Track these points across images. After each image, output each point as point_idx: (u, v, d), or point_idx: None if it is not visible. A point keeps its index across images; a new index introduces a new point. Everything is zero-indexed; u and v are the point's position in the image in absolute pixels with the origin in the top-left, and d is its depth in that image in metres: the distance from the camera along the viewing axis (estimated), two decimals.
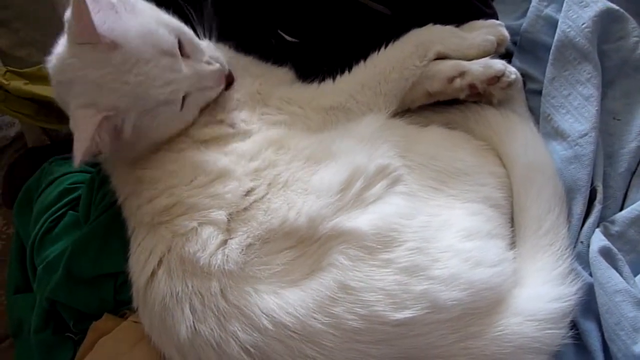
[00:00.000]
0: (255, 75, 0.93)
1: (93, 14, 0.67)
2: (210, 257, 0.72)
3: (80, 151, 0.70)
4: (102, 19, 0.69)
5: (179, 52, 0.77)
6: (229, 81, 0.87)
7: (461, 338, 0.69)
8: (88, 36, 0.70)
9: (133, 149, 0.80)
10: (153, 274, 0.75)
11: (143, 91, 0.73)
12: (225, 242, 0.73)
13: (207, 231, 0.74)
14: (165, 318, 0.73)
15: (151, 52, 0.73)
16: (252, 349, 0.68)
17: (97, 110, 0.71)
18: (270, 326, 0.67)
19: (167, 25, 0.78)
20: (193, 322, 0.70)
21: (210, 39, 0.87)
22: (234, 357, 0.68)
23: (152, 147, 0.82)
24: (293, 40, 1.00)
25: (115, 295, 0.95)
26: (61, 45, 0.76)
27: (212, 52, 0.83)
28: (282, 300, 0.68)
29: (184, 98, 0.79)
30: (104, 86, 0.72)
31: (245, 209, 0.75)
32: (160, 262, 0.75)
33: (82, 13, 0.67)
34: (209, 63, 0.82)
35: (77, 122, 0.72)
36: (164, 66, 0.74)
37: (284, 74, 0.96)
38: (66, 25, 0.74)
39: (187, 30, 0.81)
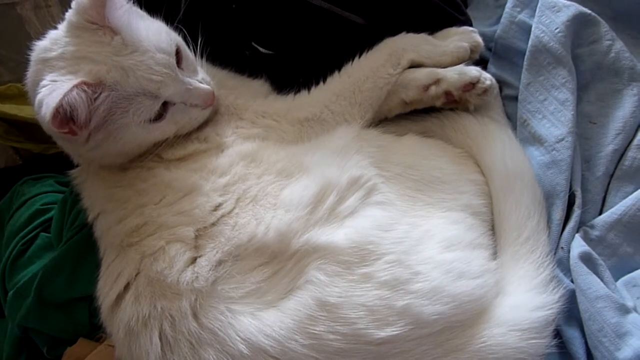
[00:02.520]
0: (230, 89, 0.91)
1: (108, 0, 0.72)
2: (179, 274, 0.69)
3: (53, 103, 0.66)
4: (113, 7, 0.73)
5: (175, 59, 0.78)
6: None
7: (445, 352, 0.67)
8: (97, 16, 0.72)
9: (102, 151, 0.77)
10: (119, 298, 0.72)
11: (132, 74, 0.72)
12: (194, 260, 0.71)
13: (174, 249, 0.71)
14: (130, 346, 0.70)
15: (150, 46, 0.75)
16: None
17: (77, 76, 0.70)
18: (247, 352, 0.65)
19: (169, 33, 0.80)
20: (162, 350, 0.67)
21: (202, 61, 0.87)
22: None
23: (122, 157, 0.80)
24: (267, 52, 0.99)
25: (90, 319, 0.92)
26: (54, 31, 0.76)
27: (204, 75, 0.84)
28: (260, 322, 0.66)
29: (166, 105, 0.77)
30: (93, 59, 0.72)
31: (213, 224, 0.73)
32: (127, 286, 0.72)
33: None
34: (201, 82, 0.81)
35: (53, 85, 0.69)
36: (159, 60, 0.75)
37: (259, 86, 0.95)
38: (73, 6, 0.74)
39: (186, 47, 0.82)
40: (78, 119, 0.70)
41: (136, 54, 0.73)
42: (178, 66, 0.78)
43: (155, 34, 0.77)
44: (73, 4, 0.75)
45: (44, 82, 0.71)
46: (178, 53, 0.79)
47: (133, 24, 0.75)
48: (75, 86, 0.68)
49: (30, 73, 0.77)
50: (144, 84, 0.73)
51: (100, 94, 0.71)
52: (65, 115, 0.69)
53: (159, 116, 0.77)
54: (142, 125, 0.76)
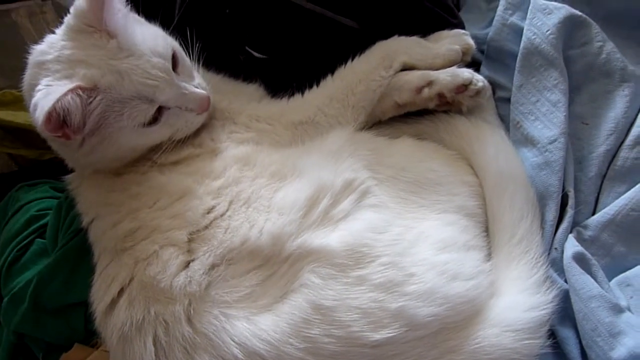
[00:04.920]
0: (224, 93, 0.92)
1: (107, 3, 0.72)
2: (172, 279, 0.69)
3: (46, 107, 0.66)
4: (111, 11, 0.74)
5: (171, 63, 0.78)
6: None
7: (440, 354, 0.67)
8: (94, 19, 0.73)
9: (96, 155, 0.77)
10: (113, 302, 0.72)
11: (127, 77, 0.73)
12: (187, 264, 0.71)
13: (167, 253, 0.71)
14: (124, 352, 0.70)
15: (146, 50, 0.75)
16: None
17: (72, 81, 0.70)
18: (242, 356, 0.64)
19: (165, 37, 0.80)
20: (156, 356, 0.67)
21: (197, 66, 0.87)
22: None
23: (117, 161, 0.80)
24: (261, 56, 0.99)
25: (86, 325, 0.92)
26: (52, 35, 0.77)
27: (201, 80, 0.84)
28: (255, 326, 0.66)
29: (161, 109, 0.77)
30: (89, 63, 0.72)
31: (206, 227, 0.72)
32: (121, 291, 0.72)
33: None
34: (197, 87, 0.81)
35: (48, 89, 0.69)
36: (154, 64, 0.75)
37: (253, 90, 0.95)
38: (71, 10, 0.75)
39: (183, 52, 0.83)
40: (72, 123, 0.70)
41: (132, 58, 0.74)
42: (174, 70, 0.78)
43: (151, 38, 0.77)
44: (72, 8, 0.75)
45: (39, 87, 0.71)
46: (174, 58, 0.79)
47: (129, 28, 0.75)
48: (70, 90, 0.68)
49: (26, 77, 0.77)
50: (139, 88, 0.74)
51: (95, 97, 0.71)
52: (58, 119, 0.69)
53: (154, 120, 0.77)
54: (136, 129, 0.76)
